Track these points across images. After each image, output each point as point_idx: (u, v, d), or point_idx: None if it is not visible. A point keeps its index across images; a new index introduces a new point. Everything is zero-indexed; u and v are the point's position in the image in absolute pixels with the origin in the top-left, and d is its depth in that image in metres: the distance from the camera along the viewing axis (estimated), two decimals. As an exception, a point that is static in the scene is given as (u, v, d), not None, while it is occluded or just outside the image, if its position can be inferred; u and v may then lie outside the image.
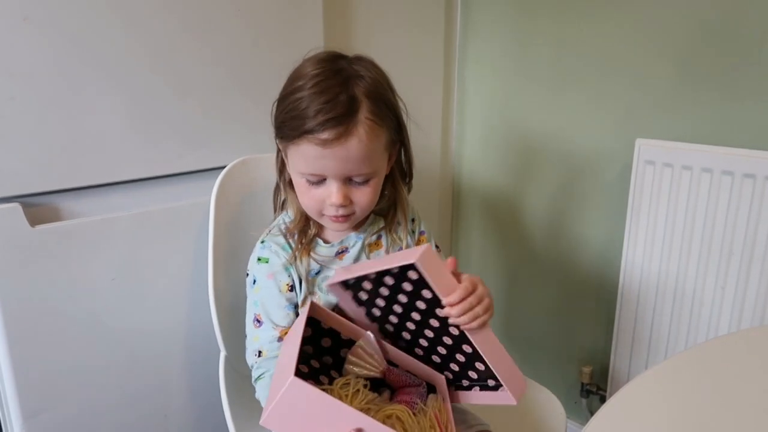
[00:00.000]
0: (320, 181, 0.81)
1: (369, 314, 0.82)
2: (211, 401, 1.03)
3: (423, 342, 0.80)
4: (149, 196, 1.00)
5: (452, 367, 0.80)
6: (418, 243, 0.96)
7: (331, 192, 0.80)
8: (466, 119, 1.59)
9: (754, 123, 1.11)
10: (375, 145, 0.80)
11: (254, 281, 0.87)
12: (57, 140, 0.89)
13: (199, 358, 1.08)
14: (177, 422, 1.08)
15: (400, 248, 0.91)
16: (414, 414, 0.75)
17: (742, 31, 1.10)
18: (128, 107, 0.94)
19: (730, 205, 1.10)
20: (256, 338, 0.86)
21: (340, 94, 0.76)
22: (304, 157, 0.79)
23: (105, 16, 0.89)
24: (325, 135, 0.76)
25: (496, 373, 0.71)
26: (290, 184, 0.88)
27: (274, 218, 0.93)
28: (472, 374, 0.79)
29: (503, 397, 0.75)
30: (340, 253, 0.89)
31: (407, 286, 0.74)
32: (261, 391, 0.84)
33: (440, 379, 0.81)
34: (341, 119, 0.76)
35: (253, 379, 0.86)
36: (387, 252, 0.92)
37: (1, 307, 0.86)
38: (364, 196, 0.82)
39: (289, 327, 0.84)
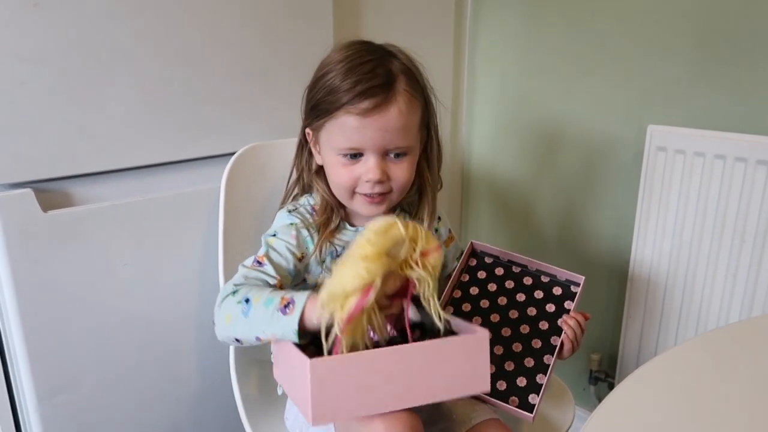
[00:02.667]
0: (357, 156, 0.80)
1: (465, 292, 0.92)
2: (222, 385, 1.04)
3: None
4: (160, 182, 1.01)
5: (506, 367, 0.86)
6: (447, 242, 1.00)
7: (369, 167, 0.80)
8: (475, 104, 1.58)
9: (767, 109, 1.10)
10: (412, 117, 0.81)
11: (275, 234, 0.85)
12: (68, 126, 0.89)
13: (210, 342, 1.08)
14: (189, 405, 1.10)
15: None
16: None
17: (756, 16, 1.08)
18: (139, 93, 0.94)
19: (743, 192, 1.09)
20: (252, 268, 0.81)
21: (376, 67, 0.78)
22: (342, 129, 0.79)
23: (116, 2, 0.89)
24: (365, 104, 0.76)
25: (542, 391, 0.83)
26: (316, 173, 0.88)
27: (287, 201, 0.92)
28: (502, 384, 0.84)
29: (521, 414, 0.81)
30: None
31: (539, 294, 0.90)
32: (227, 304, 0.77)
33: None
34: (380, 88, 0.77)
35: (226, 293, 0.78)
36: None
37: (15, 290, 0.87)
38: (400, 172, 0.82)
39: (280, 282, 0.81)
